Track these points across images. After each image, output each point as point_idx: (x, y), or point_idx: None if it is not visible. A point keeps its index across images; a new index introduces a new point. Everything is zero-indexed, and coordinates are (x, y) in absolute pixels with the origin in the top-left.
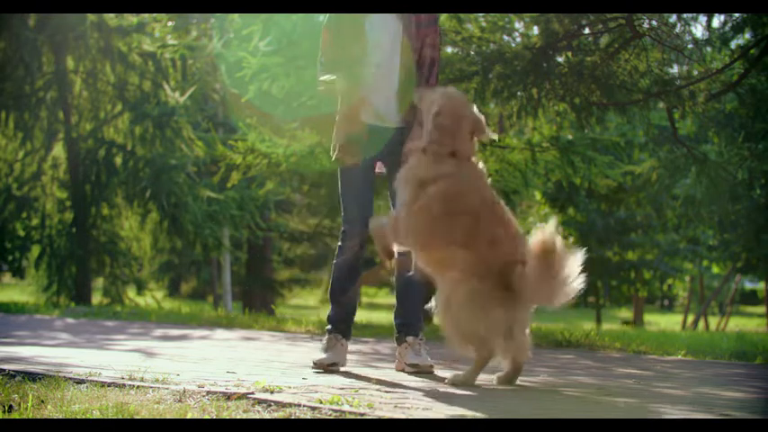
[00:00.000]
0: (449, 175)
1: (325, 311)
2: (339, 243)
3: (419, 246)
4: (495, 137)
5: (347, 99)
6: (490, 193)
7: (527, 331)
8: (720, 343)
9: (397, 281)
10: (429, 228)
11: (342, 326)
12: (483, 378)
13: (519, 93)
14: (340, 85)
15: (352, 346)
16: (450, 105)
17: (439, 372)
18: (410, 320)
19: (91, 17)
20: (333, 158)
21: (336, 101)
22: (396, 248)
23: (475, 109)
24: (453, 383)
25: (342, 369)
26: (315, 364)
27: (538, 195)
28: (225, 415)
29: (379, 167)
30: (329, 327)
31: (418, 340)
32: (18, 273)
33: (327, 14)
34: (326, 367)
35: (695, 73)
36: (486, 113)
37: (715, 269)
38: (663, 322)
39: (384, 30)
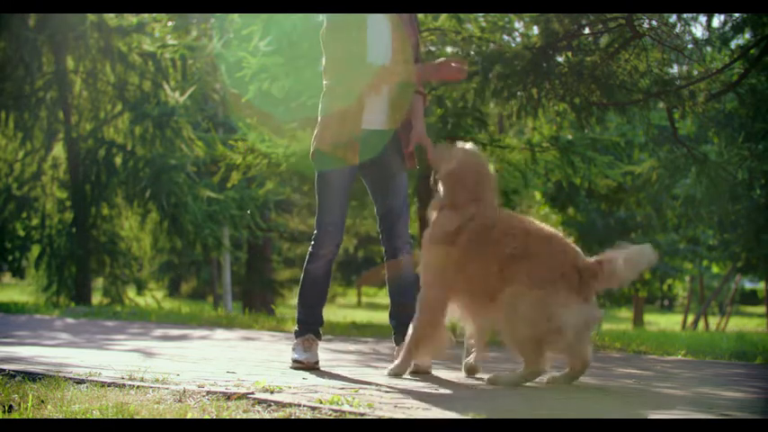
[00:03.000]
0: (474, 218)
1: (325, 311)
2: (311, 249)
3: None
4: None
5: (346, 99)
6: (528, 224)
7: (589, 338)
8: (720, 343)
9: (391, 282)
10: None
11: (314, 327)
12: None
13: (519, 93)
14: (339, 84)
15: (351, 347)
16: (471, 163)
17: (436, 372)
18: (408, 320)
19: (91, 17)
20: (322, 162)
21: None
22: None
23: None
24: (493, 382)
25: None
26: (301, 363)
27: (538, 195)
28: (225, 415)
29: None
30: (299, 329)
31: None
32: (18, 273)
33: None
34: (313, 365)
35: (695, 73)
36: (487, 113)
37: (715, 269)
38: (663, 322)
39: (382, 29)
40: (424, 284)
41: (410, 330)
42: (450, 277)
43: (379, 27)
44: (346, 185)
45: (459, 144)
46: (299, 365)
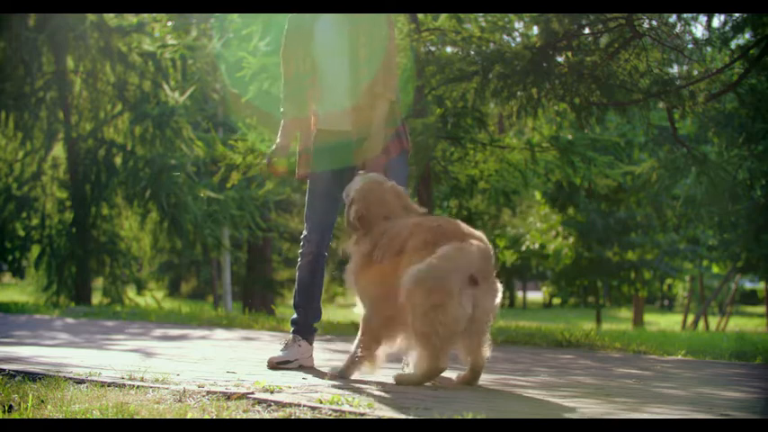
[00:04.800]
0: (384, 233)
1: (326, 311)
2: (300, 250)
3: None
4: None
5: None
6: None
7: (486, 333)
8: (720, 343)
9: None
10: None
11: (303, 329)
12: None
13: (519, 93)
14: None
15: (351, 347)
16: (368, 194)
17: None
18: None
19: (91, 17)
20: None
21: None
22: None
23: (392, 186)
24: (399, 382)
25: (303, 366)
26: (267, 362)
27: (538, 195)
28: (225, 415)
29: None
30: (292, 329)
31: None
32: (18, 273)
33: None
34: (275, 365)
35: (695, 73)
36: (486, 113)
37: (715, 269)
38: (663, 322)
39: (332, 33)
40: (365, 308)
41: (354, 347)
42: (383, 302)
43: (329, 33)
44: (327, 188)
45: (361, 174)
46: (267, 366)
